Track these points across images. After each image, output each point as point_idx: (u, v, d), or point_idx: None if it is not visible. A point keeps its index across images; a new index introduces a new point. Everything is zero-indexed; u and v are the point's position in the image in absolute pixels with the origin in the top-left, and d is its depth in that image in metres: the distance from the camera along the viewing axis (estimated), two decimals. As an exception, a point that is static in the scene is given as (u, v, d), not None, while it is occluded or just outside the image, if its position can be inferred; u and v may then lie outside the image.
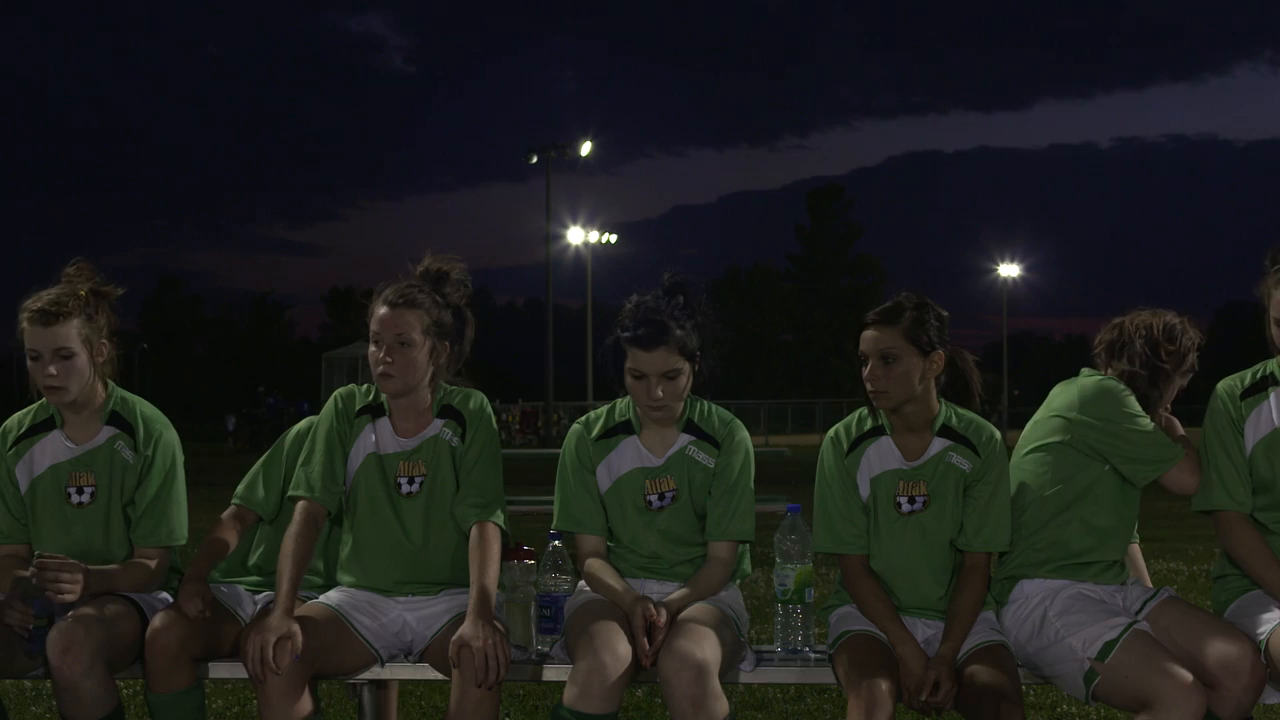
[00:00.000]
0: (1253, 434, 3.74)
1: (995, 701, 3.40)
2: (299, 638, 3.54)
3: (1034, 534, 3.76)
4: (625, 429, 3.92)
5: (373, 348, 3.81)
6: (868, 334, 3.74)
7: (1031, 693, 5.61)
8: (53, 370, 3.83)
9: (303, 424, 4.12)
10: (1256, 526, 3.70)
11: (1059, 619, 3.60)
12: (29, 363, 3.85)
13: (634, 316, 3.80)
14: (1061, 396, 3.84)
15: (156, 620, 3.71)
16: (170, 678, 3.66)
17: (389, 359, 3.78)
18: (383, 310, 3.81)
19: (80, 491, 3.91)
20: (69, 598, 3.64)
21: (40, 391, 3.90)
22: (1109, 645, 3.46)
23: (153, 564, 3.91)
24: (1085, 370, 3.90)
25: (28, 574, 3.65)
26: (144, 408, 4.00)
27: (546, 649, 3.84)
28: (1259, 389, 3.76)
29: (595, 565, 3.84)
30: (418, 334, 3.80)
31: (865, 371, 3.74)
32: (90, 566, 3.78)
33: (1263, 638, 3.50)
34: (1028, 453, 3.84)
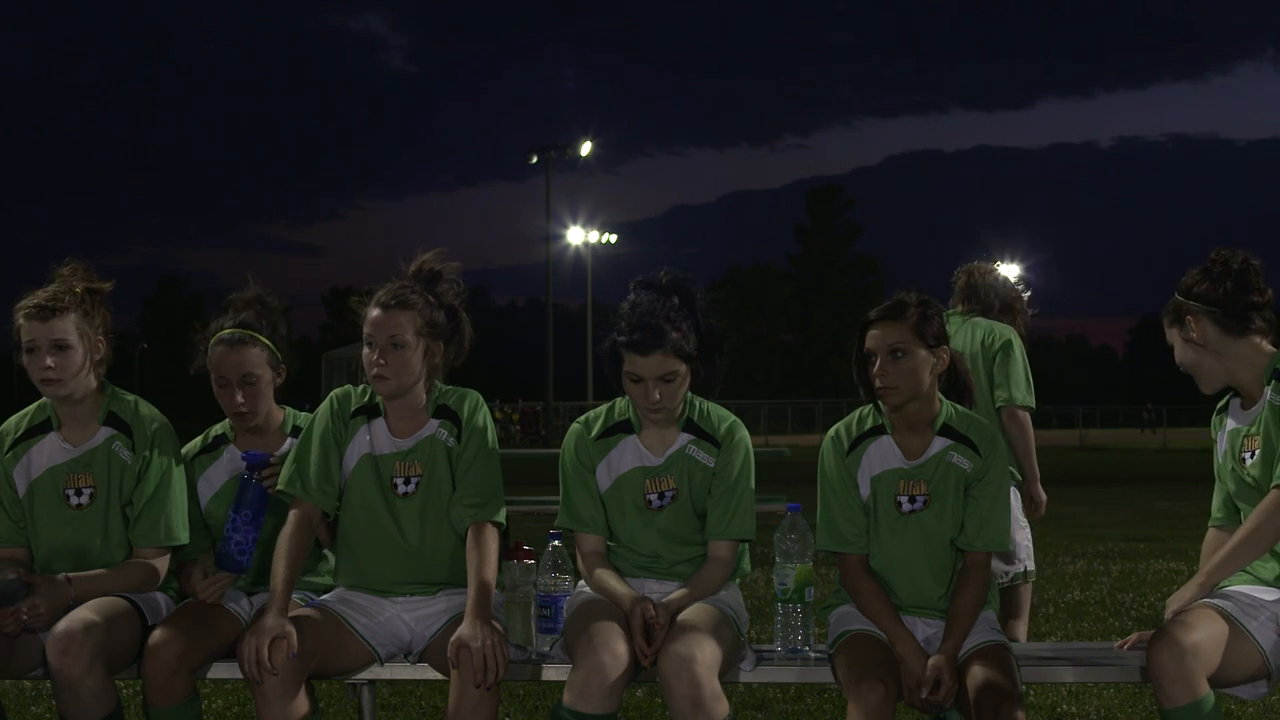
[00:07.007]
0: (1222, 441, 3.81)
1: (995, 701, 3.40)
2: (294, 636, 3.54)
3: None
4: (625, 428, 3.91)
5: (366, 350, 3.80)
6: (874, 332, 3.73)
7: (1031, 693, 5.61)
8: (49, 362, 3.81)
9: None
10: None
11: None
12: (25, 357, 3.84)
13: (630, 320, 3.77)
14: None
15: (154, 636, 3.69)
16: (169, 692, 3.65)
17: (382, 361, 3.77)
18: (375, 312, 3.81)
19: (79, 493, 3.90)
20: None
21: (36, 386, 3.87)
22: None
23: (151, 564, 3.90)
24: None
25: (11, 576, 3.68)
26: (141, 407, 3.99)
27: (546, 649, 3.83)
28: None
29: (595, 565, 3.83)
30: (411, 335, 3.79)
31: (874, 369, 3.73)
32: (84, 573, 3.79)
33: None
34: None
